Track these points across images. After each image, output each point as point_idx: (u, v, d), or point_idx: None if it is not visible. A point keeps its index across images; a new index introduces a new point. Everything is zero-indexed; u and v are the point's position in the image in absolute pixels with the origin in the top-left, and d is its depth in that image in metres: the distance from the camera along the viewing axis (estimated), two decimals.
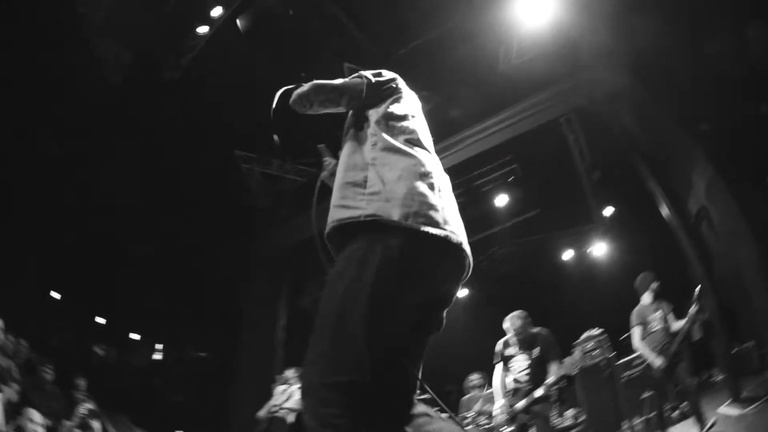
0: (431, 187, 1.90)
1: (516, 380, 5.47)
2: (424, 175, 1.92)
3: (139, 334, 16.86)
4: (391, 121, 2.07)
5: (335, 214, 1.89)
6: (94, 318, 15.03)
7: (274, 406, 7.77)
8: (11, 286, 11.52)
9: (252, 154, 11.02)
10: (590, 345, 7.50)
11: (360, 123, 2.13)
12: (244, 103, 8.17)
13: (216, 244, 11.81)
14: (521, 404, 5.29)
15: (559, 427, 7.76)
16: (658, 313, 5.90)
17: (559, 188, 11.11)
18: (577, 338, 7.52)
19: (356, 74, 2.20)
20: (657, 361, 5.59)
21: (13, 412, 4.65)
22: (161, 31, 8.81)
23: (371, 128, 2.06)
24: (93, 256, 12.47)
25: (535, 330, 5.60)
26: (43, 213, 11.23)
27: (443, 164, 2.12)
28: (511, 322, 5.64)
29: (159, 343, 17.04)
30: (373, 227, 1.76)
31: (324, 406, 1.54)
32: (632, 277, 6.20)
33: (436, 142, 2.25)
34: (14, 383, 5.43)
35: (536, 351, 5.43)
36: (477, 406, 7.60)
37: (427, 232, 1.76)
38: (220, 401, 11.81)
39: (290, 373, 8.07)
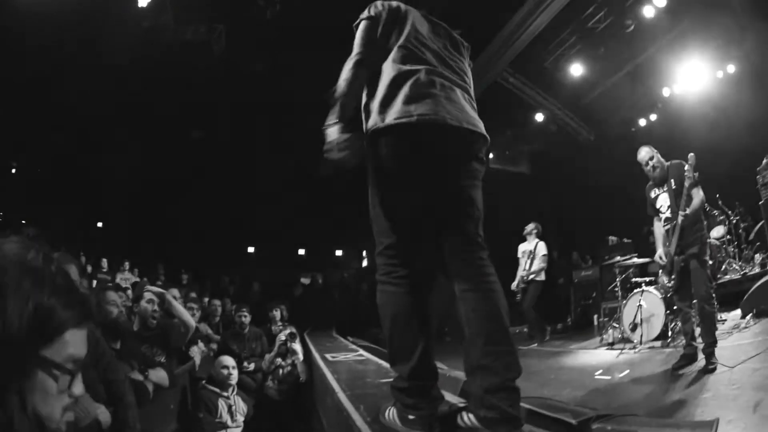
0: (401, 84, 2.13)
1: (667, 219, 4.88)
2: (399, 76, 2.16)
3: (341, 250, 18.40)
4: (391, 46, 2.25)
5: None
6: (297, 252, 16.69)
7: (525, 272, 8.21)
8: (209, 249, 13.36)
9: None
10: None
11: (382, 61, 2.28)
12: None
13: None
14: (672, 247, 4.71)
15: (749, 273, 6.72)
16: None
17: None
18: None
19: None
20: None
21: (211, 363, 5.21)
22: None
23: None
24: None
25: (666, 163, 4.91)
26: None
27: None
28: (640, 159, 5.01)
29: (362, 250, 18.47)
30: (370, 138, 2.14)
31: (379, 264, 2.16)
32: None
33: None
34: (209, 342, 6.08)
35: (672, 183, 4.78)
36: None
37: (396, 123, 2.05)
38: None
39: (529, 227, 8.48)
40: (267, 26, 9.67)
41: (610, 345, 6.58)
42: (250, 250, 16.10)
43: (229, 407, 4.73)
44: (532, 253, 8.21)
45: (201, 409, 4.59)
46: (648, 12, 9.64)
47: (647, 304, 6.16)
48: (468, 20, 2.93)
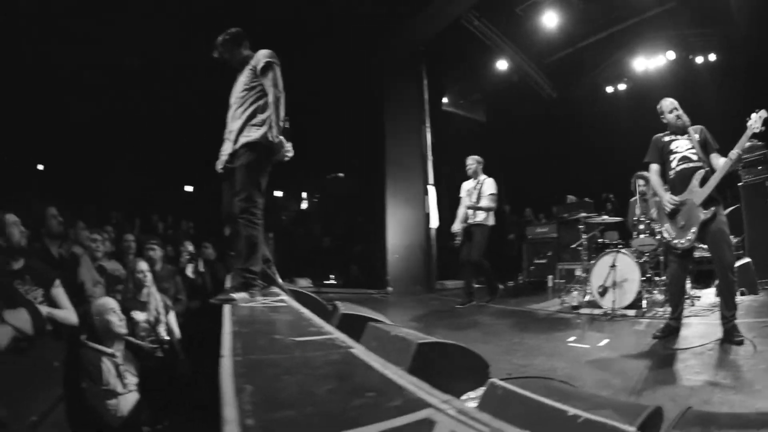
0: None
1: (684, 158, 4.25)
2: None
3: (280, 191, 17.18)
4: None
5: None
6: None
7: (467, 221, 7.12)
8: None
9: None
10: (751, 157, 6.38)
11: None
12: None
13: (342, 66, 10.94)
14: (703, 195, 4.04)
15: None
16: None
17: None
18: None
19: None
20: None
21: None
22: None
23: None
24: None
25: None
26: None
27: None
28: (663, 107, 4.50)
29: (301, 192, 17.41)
30: None
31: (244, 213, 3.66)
32: None
33: None
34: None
35: (696, 137, 4.27)
36: (638, 210, 6.47)
37: None
38: (374, 227, 11.38)
39: (469, 162, 7.34)
40: None
41: (575, 308, 5.93)
42: (188, 189, 14.83)
43: (117, 367, 3.64)
44: (478, 190, 7.13)
45: (82, 375, 3.49)
46: None
47: (621, 266, 5.46)
48: None
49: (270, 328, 2.45)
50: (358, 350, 1.93)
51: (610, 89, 12.64)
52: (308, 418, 1.25)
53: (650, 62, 11.45)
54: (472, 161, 7.25)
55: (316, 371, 1.63)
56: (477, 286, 7.38)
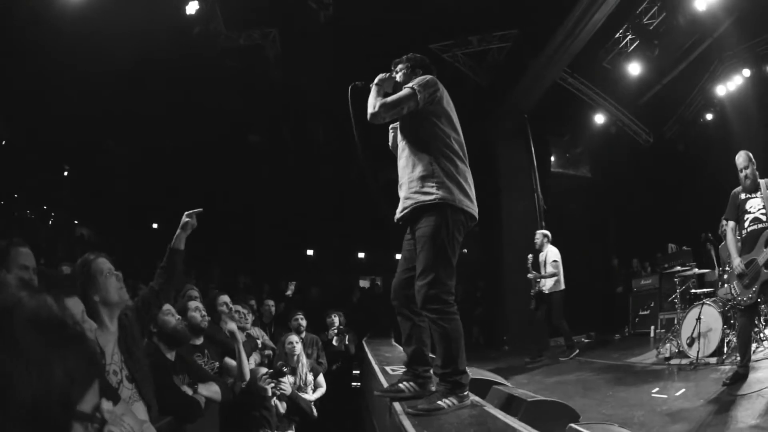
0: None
1: (755, 220, 4.76)
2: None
3: (401, 254, 18.35)
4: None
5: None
6: (357, 255, 16.40)
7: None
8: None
9: (446, 42, 10.97)
10: None
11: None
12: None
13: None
14: (765, 256, 4.59)
15: None
16: None
17: None
18: None
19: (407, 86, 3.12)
20: None
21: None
22: None
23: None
24: None
25: (761, 180, 4.86)
26: None
27: None
28: (737, 163, 4.97)
29: None
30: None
31: (433, 302, 2.90)
32: None
33: None
34: (264, 348, 5.54)
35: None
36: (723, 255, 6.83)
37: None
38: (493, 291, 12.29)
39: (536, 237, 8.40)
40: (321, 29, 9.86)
41: (667, 359, 6.52)
42: (309, 253, 15.96)
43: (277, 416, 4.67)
44: (544, 260, 8.09)
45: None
46: (699, 5, 9.29)
47: (706, 318, 6.07)
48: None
49: None
50: (489, 407, 3.01)
51: (699, 122, 12.84)
52: None
53: (730, 84, 11.55)
54: (539, 235, 8.34)
55: (464, 421, 2.67)
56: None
